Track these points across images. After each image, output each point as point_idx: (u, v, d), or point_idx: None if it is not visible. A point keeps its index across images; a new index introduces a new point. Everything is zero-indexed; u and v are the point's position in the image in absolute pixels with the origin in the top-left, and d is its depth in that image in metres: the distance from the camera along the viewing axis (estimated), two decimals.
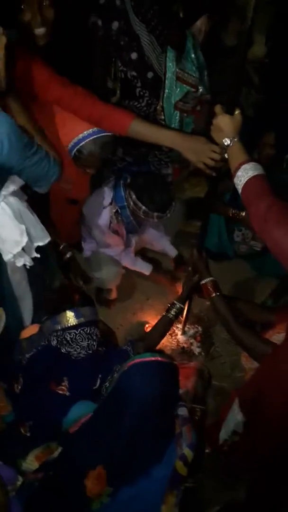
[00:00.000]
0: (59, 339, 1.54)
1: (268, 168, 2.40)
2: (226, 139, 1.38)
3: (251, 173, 1.28)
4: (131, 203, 2.09)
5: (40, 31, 1.48)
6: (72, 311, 1.56)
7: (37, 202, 1.67)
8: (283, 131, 2.36)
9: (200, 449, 1.49)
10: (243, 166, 1.30)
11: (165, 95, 2.07)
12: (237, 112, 1.39)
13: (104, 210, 2.16)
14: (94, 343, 1.55)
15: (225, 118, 1.38)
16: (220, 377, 2.35)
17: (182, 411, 1.52)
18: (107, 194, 2.16)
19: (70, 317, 1.56)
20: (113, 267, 2.33)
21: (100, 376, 1.55)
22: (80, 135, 1.81)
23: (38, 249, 1.60)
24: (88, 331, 1.54)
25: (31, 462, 1.42)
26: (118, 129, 1.68)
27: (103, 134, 1.81)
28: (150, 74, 2.00)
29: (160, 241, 2.60)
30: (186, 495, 1.59)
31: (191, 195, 3.11)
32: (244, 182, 1.29)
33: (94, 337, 1.56)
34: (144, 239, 2.55)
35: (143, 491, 1.30)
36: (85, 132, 1.80)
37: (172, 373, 1.43)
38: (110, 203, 2.15)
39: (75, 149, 1.85)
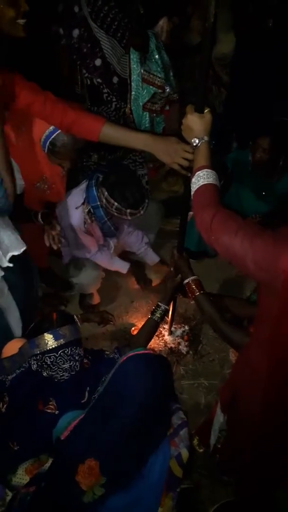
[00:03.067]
0: (39, 363, 1.48)
1: (263, 174, 2.49)
2: (195, 139, 1.37)
3: (201, 182, 1.28)
4: (104, 200, 2.06)
5: (22, 21, 1.45)
6: (50, 333, 1.48)
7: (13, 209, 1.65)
8: (280, 136, 2.33)
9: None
10: (197, 173, 1.30)
11: (132, 97, 2.07)
12: (206, 111, 1.38)
13: (76, 210, 2.13)
14: (77, 364, 1.49)
15: (194, 117, 1.36)
16: (210, 374, 2.35)
17: (179, 414, 1.51)
18: (80, 195, 2.14)
19: (49, 339, 1.47)
20: (92, 271, 2.31)
21: (88, 389, 1.51)
22: (51, 127, 1.78)
23: (16, 258, 1.57)
24: (69, 352, 1.48)
25: (21, 476, 1.39)
26: (89, 135, 1.67)
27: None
28: (115, 79, 2.01)
29: (140, 250, 2.57)
30: (183, 496, 1.58)
31: (169, 194, 3.12)
32: (194, 190, 1.30)
33: (77, 357, 1.49)
34: (124, 243, 2.53)
35: (139, 496, 1.28)
36: (51, 127, 1.77)
37: (165, 366, 1.42)
38: (83, 203, 2.12)
39: (48, 142, 1.82)
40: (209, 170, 1.29)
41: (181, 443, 1.39)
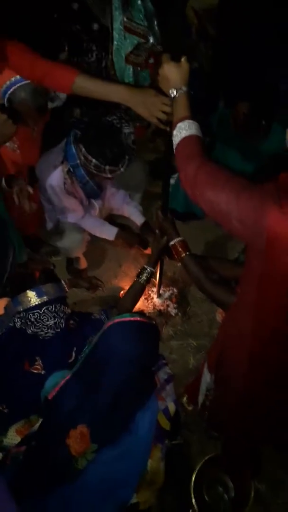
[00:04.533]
0: (23, 320, 1.46)
1: (247, 137, 2.41)
2: (173, 89, 1.29)
3: (183, 133, 1.22)
4: (82, 157, 1.96)
5: None
6: (33, 291, 1.47)
7: None
8: (257, 99, 2.25)
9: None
10: (178, 125, 1.24)
11: (114, 47, 1.95)
12: (183, 59, 1.30)
13: (55, 169, 2.03)
14: (62, 321, 1.49)
15: (170, 66, 1.28)
16: (198, 335, 2.38)
17: (165, 369, 1.53)
18: (58, 153, 2.04)
19: (32, 296, 1.47)
20: (76, 234, 2.25)
21: (74, 349, 1.51)
22: (8, 82, 1.67)
23: None
24: (53, 309, 1.47)
25: (12, 437, 1.41)
26: (62, 86, 1.57)
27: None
28: (95, 26, 1.88)
29: (126, 208, 2.49)
30: (173, 452, 1.63)
31: (156, 155, 3.03)
32: (176, 143, 1.23)
33: (61, 315, 1.49)
34: (109, 205, 2.46)
35: (128, 449, 1.31)
36: (13, 79, 1.67)
37: (151, 333, 1.41)
38: (62, 162, 2.03)
39: (6, 98, 1.71)
40: (190, 120, 1.23)
41: (168, 397, 1.41)
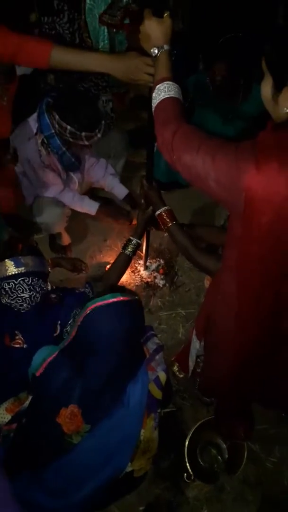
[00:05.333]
0: None
1: (226, 99, 2.34)
2: (154, 48, 1.22)
3: (162, 95, 1.16)
4: (56, 125, 1.87)
5: None
6: (12, 260, 1.44)
7: None
8: (235, 58, 2.15)
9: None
10: (158, 86, 1.18)
11: (86, 7, 1.82)
12: (166, 14, 1.22)
13: (29, 141, 1.94)
14: (37, 295, 1.45)
15: (152, 22, 1.20)
16: (187, 304, 2.38)
17: (154, 339, 1.52)
18: (32, 124, 1.94)
19: (10, 265, 1.44)
20: (56, 208, 2.17)
21: (59, 322, 1.49)
22: None
23: None
24: (30, 282, 1.43)
25: (2, 415, 1.40)
26: (38, 62, 1.47)
27: None
28: None
29: (107, 180, 2.41)
30: (166, 418, 1.65)
31: (136, 124, 2.94)
32: (155, 105, 1.18)
33: (38, 289, 1.45)
34: (89, 177, 2.38)
35: (121, 420, 1.32)
36: None
37: (135, 310, 1.38)
38: (35, 133, 1.93)
39: None
40: (170, 82, 1.17)
41: (158, 366, 1.41)
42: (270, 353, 1.34)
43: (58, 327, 1.49)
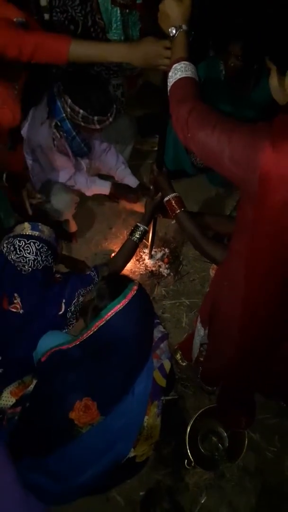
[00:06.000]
0: (8, 245, 1.48)
1: (237, 84, 2.30)
2: (172, 28, 1.20)
3: (178, 75, 1.15)
4: (68, 109, 1.86)
5: None
6: (30, 224, 1.51)
7: None
8: (251, 40, 2.08)
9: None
10: (174, 66, 1.17)
11: None
12: None
13: (42, 126, 1.92)
14: (40, 262, 1.48)
15: (172, 2, 1.18)
16: (191, 293, 2.38)
17: (159, 327, 1.53)
18: (43, 109, 1.92)
19: (26, 227, 1.50)
20: (65, 194, 2.16)
21: (63, 301, 1.50)
22: None
23: None
24: (39, 246, 1.48)
25: (7, 398, 1.40)
26: (56, 58, 1.46)
27: None
28: None
29: (118, 170, 2.39)
30: (168, 406, 1.66)
31: (143, 111, 2.91)
32: (171, 84, 1.17)
33: (43, 256, 1.48)
34: (100, 165, 2.36)
35: (126, 407, 1.32)
36: None
37: (144, 296, 1.37)
38: (47, 118, 1.91)
39: None
40: (187, 62, 1.16)
41: (163, 354, 1.42)
42: (274, 341, 1.34)
43: (63, 305, 1.50)
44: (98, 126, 1.89)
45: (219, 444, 1.91)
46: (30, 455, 1.25)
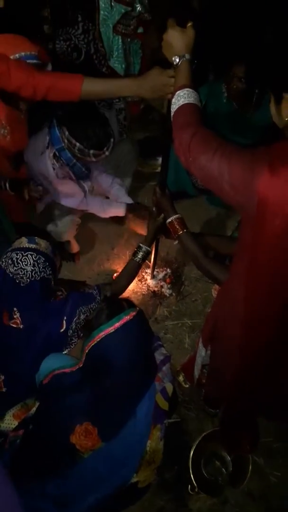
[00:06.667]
0: (6, 259, 1.51)
1: (239, 105, 2.36)
2: (176, 56, 1.25)
3: (181, 101, 1.19)
4: (66, 141, 1.89)
5: None
6: (27, 237, 1.55)
7: None
8: (253, 62, 2.15)
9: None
10: (177, 93, 1.21)
11: (100, 17, 1.86)
12: (189, 25, 1.25)
13: (42, 155, 1.96)
14: (38, 272, 1.50)
15: (175, 32, 1.23)
16: (193, 314, 2.38)
17: (161, 350, 1.52)
18: (43, 137, 1.96)
19: (23, 241, 1.55)
20: (67, 217, 2.19)
21: (65, 318, 1.50)
22: None
23: None
24: (35, 258, 1.51)
25: (9, 421, 1.40)
26: (69, 97, 1.53)
27: (28, 61, 1.61)
28: None
29: (113, 189, 2.39)
30: (171, 429, 1.64)
31: (144, 134, 2.97)
32: (174, 110, 1.21)
33: (40, 267, 1.51)
34: (97, 185, 2.38)
35: (128, 432, 1.31)
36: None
37: (140, 323, 1.37)
38: (47, 147, 1.95)
39: None
40: (190, 89, 1.20)
41: (165, 377, 1.41)
42: (276, 363, 1.33)
43: (64, 322, 1.50)
44: (93, 159, 1.93)
45: (223, 469, 1.87)
46: (32, 479, 1.24)
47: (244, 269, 1.12)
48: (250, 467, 1.79)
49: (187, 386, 2.08)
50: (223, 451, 1.91)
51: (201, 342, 1.58)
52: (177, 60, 1.24)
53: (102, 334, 1.26)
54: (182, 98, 1.19)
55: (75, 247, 2.48)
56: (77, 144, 1.86)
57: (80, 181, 2.17)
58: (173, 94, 1.23)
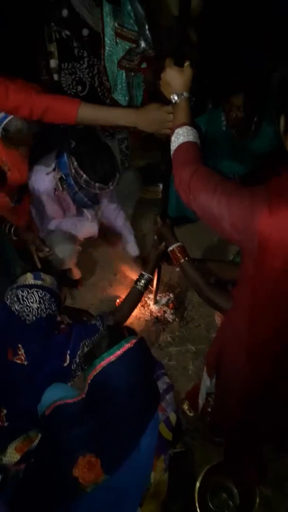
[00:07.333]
0: (12, 296, 1.50)
1: (238, 133, 2.41)
2: (174, 95, 1.27)
3: (181, 139, 1.21)
4: (73, 170, 1.96)
5: None
6: (32, 273, 1.55)
7: None
8: (252, 92, 2.21)
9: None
10: (176, 131, 1.23)
11: (106, 53, 1.93)
12: (186, 64, 1.27)
13: (47, 176, 2.01)
14: (44, 310, 1.49)
15: (173, 71, 1.26)
16: (197, 340, 2.36)
17: (164, 378, 1.51)
18: (51, 160, 2.02)
19: (29, 277, 1.55)
20: (68, 244, 2.22)
21: (68, 352, 1.50)
22: (3, 112, 1.67)
23: None
24: (41, 295, 1.50)
25: (11, 455, 1.37)
26: (65, 120, 1.54)
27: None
28: (85, 31, 1.87)
29: (123, 233, 2.50)
30: (176, 460, 1.60)
31: (147, 161, 3.02)
32: (174, 149, 1.23)
33: (46, 304, 1.50)
34: (101, 216, 2.43)
35: (131, 464, 1.28)
36: None
37: (142, 351, 1.37)
38: (54, 169, 2.01)
39: (1, 128, 1.71)
40: (188, 127, 1.23)
41: (169, 407, 1.39)
42: (282, 394, 1.32)
43: (68, 357, 1.49)
44: (98, 191, 2.00)
45: (230, 502, 1.82)
46: None
47: (247, 300, 1.12)
48: (258, 500, 1.74)
49: (191, 414, 2.05)
50: (230, 483, 1.86)
51: (205, 372, 1.57)
52: (176, 98, 1.26)
53: (103, 363, 1.26)
54: (181, 136, 1.21)
55: (77, 274, 2.50)
56: (84, 175, 1.93)
57: (84, 209, 2.21)
58: (172, 131, 1.25)
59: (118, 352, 1.27)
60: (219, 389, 1.54)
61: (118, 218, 2.43)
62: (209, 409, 1.71)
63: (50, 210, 2.14)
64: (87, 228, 2.32)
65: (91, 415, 1.29)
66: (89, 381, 1.29)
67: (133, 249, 2.49)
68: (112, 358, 1.26)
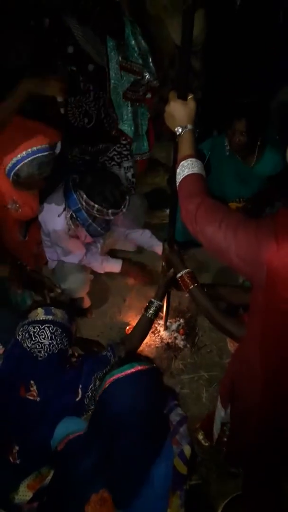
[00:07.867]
0: (23, 333, 1.49)
1: (241, 157, 2.45)
2: (179, 127, 1.29)
3: (186, 172, 1.22)
4: (84, 203, 1.99)
5: None
6: (43, 309, 1.54)
7: None
8: (255, 117, 2.25)
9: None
10: (182, 163, 1.24)
11: (111, 86, 1.99)
12: (190, 97, 1.29)
13: (59, 217, 2.05)
14: (56, 346, 1.48)
15: (177, 104, 1.27)
16: (209, 366, 2.32)
17: (177, 410, 1.47)
18: (60, 200, 2.05)
19: (40, 312, 1.53)
20: (79, 274, 2.23)
21: (80, 386, 1.47)
22: (14, 159, 1.71)
23: None
24: (53, 330, 1.49)
25: (24, 493, 1.33)
26: None
27: (39, 154, 1.72)
28: (90, 67, 1.93)
29: (146, 240, 2.51)
30: (192, 493, 1.55)
31: (152, 187, 3.06)
32: (179, 181, 1.24)
33: (58, 340, 1.49)
34: (111, 239, 2.46)
35: (145, 501, 1.24)
36: (19, 156, 1.70)
37: (154, 378, 1.35)
38: (64, 209, 2.04)
39: (12, 173, 1.75)
40: (193, 159, 1.24)
41: (183, 439, 1.35)
42: None
43: (80, 391, 1.47)
44: (111, 217, 2.03)
45: None
46: None
47: (259, 331, 1.11)
48: None
49: (207, 444, 1.99)
50: None
51: (219, 402, 1.54)
52: (180, 130, 1.28)
53: (112, 379, 1.25)
54: (186, 168, 1.22)
55: (87, 302, 2.49)
56: (96, 205, 1.96)
57: (96, 238, 2.24)
58: (177, 164, 1.26)
59: (128, 371, 1.26)
60: (234, 419, 1.50)
61: (128, 234, 2.47)
62: (225, 439, 1.66)
63: (71, 246, 2.17)
64: (111, 264, 2.37)
65: (97, 440, 1.26)
66: (97, 398, 1.28)
67: (154, 241, 2.49)
68: (121, 375, 1.25)
